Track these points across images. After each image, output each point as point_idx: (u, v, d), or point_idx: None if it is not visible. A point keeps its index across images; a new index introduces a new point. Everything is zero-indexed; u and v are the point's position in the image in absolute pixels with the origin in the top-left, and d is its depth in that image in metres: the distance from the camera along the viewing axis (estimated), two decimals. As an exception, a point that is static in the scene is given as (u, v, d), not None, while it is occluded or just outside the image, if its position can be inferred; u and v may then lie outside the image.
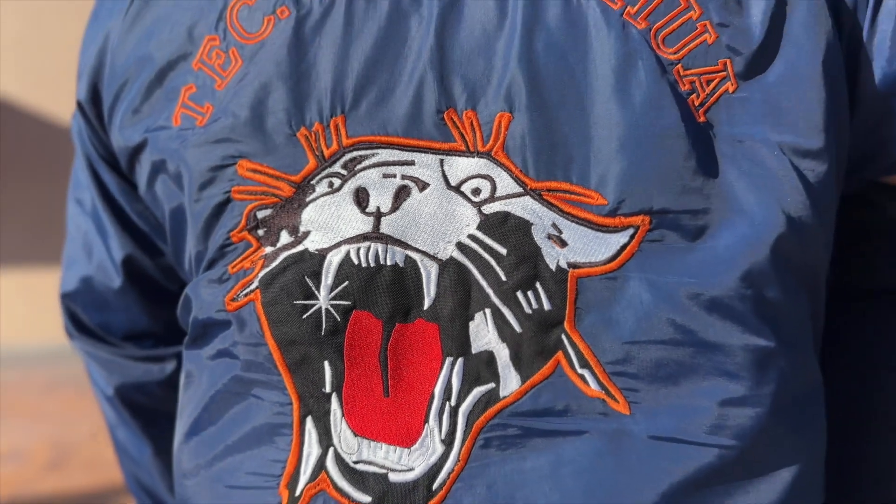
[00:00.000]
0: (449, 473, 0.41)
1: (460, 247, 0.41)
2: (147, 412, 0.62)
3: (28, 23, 9.96)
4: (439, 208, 0.41)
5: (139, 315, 0.59)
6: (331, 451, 0.42)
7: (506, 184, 0.41)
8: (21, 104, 9.44)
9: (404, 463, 0.41)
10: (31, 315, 9.17)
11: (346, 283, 0.41)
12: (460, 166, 0.41)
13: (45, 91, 9.79)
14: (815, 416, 0.44)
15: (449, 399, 0.41)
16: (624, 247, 0.40)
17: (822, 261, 0.44)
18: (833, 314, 0.57)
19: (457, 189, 0.42)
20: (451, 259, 0.41)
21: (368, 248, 0.41)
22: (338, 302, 0.42)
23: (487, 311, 0.41)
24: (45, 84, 9.82)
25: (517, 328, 0.41)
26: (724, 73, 0.41)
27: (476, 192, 0.41)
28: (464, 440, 0.41)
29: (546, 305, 0.40)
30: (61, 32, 10.07)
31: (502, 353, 0.41)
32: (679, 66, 0.40)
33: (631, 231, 0.40)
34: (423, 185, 0.42)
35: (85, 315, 0.60)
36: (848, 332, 0.56)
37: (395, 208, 0.41)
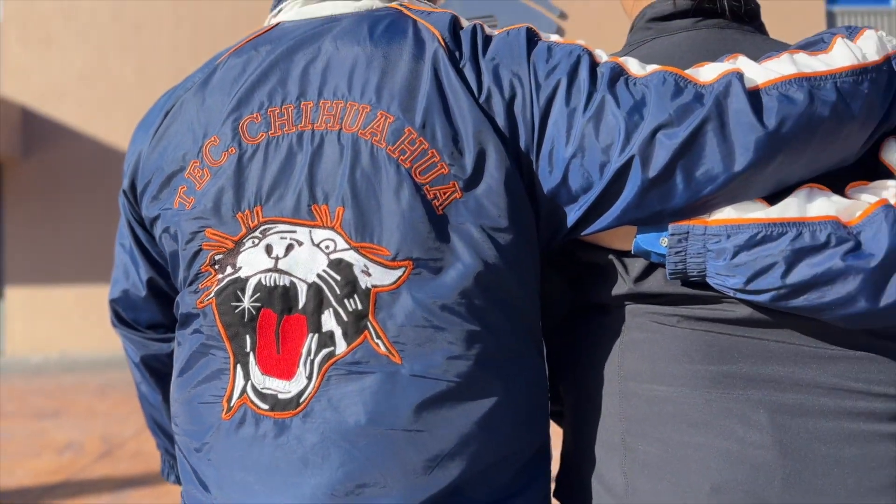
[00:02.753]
0: (309, 393, 0.78)
1: (318, 276, 0.79)
2: (158, 373, 1.01)
3: (89, 61, 10.67)
4: (309, 255, 0.79)
5: (156, 313, 0.98)
6: (249, 382, 0.80)
7: (341, 244, 0.79)
8: (80, 130, 10.10)
9: (286, 389, 0.79)
10: (85, 326, 9.79)
11: (259, 293, 0.79)
12: (319, 234, 0.79)
13: (101, 120, 10.45)
14: (514, 372, 0.80)
15: (310, 355, 0.79)
16: (399, 277, 0.77)
17: (517, 287, 0.80)
18: (572, 319, 0.93)
19: (317, 245, 0.79)
20: (314, 282, 0.79)
21: (271, 276, 0.79)
22: (254, 304, 0.80)
23: (330, 309, 0.78)
24: (101, 114, 10.49)
25: (345, 318, 0.78)
26: (453, 188, 0.78)
27: (327, 247, 0.79)
28: (317, 376, 0.78)
29: (359, 306, 0.78)
30: (117, 71, 10.75)
31: (337, 331, 0.78)
32: (427, 185, 0.77)
33: (403, 269, 0.77)
34: (300, 243, 0.79)
35: (124, 313, 1.00)
36: (576, 331, 0.92)
37: (286, 255, 0.79)
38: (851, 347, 0.81)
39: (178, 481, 1.09)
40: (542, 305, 0.89)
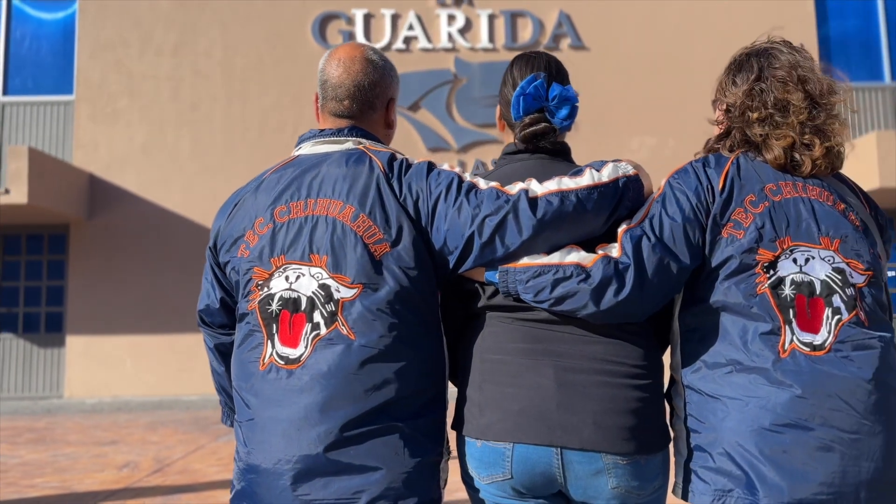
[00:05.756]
0: (306, 355, 1.46)
1: (312, 292, 1.48)
2: (223, 353, 1.71)
3: (149, 135, 11.82)
4: (308, 281, 1.48)
5: (224, 318, 1.68)
6: (274, 350, 1.48)
7: (325, 275, 1.48)
8: (140, 196, 11.10)
9: (293, 353, 1.47)
10: (135, 373, 10.60)
11: (280, 302, 1.49)
12: (314, 270, 1.49)
13: (159, 187, 11.47)
14: (417, 346, 1.47)
15: (307, 335, 1.47)
16: (355, 293, 1.46)
17: (420, 300, 1.48)
18: (463, 324, 1.60)
19: (312, 276, 1.49)
20: (310, 296, 1.48)
21: (287, 292, 1.49)
22: (277, 307, 1.49)
23: (318, 310, 1.47)
24: (159, 182, 11.52)
25: (326, 314, 1.46)
26: (385, 246, 1.47)
27: (318, 277, 1.48)
28: (310, 346, 1.46)
29: (333, 308, 1.46)
30: (174, 144, 11.87)
31: (321, 322, 1.47)
32: (371, 244, 1.47)
33: (357, 289, 1.46)
34: (303, 275, 1.49)
35: (205, 318, 1.70)
36: (464, 329, 1.59)
37: (296, 281, 1.49)
38: (606, 336, 1.47)
39: (231, 424, 1.77)
40: (445, 314, 1.57)
